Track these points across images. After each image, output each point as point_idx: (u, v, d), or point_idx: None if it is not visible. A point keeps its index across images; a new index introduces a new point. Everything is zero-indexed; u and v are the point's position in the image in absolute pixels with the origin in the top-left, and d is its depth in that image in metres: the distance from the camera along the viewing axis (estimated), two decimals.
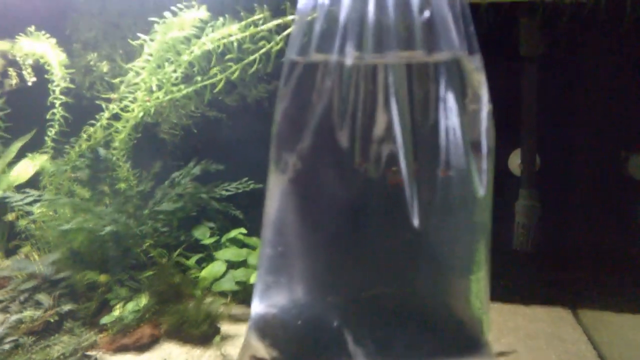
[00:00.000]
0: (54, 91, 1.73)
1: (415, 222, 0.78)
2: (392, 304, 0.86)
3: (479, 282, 0.87)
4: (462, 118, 0.82)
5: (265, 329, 0.85)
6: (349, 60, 0.79)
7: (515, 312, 1.95)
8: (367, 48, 0.79)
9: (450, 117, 0.82)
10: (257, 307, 0.87)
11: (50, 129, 1.79)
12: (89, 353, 1.56)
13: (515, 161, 2.01)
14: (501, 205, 1.96)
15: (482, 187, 0.82)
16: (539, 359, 1.62)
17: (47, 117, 1.76)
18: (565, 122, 1.96)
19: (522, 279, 2.04)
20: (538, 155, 1.96)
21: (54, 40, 1.69)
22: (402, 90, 0.80)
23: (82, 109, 1.90)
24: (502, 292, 2.04)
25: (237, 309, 1.87)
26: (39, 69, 1.79)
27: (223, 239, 2.07)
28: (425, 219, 0.80)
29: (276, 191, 0.85)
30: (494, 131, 0.85)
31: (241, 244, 2.06)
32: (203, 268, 1.96)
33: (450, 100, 0.81)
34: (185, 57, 1.39)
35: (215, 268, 1.94)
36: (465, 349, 0.90)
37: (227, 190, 2.06)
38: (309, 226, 0.85)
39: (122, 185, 1.87)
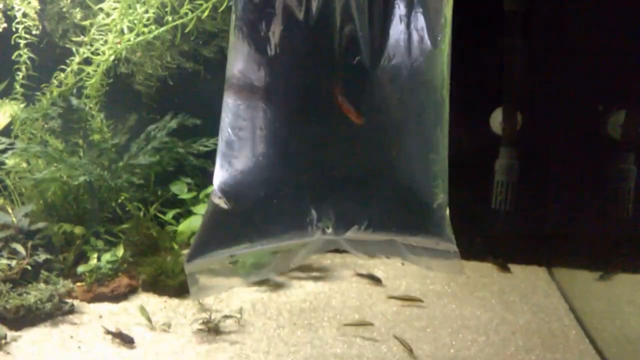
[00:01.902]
0: (16, 29, 1.65)
1: (367, 62, 0.79)
2: (351, 172, 0.86)
3: (436, 153, 0.88)
4: None
5: (225, 187, 0.85)
6: None
7: (491, 269, 1.99)
8: None
9: None
10: (220, 166, 0.88)
11: (18, 72, 1.73)
12: (66, 300, 1.55)
13: (497, 120, 2.00)
14: (481, 165, 2.00)
15: (436, 40, 0.82)
16: (510, 310, 1.65)
17: (13, 58, 1.69)
18: (548, 80, 1.95)
19: (499, 237, 2.06)
20: (520, 114, 1.96)
21: None
22: None
23: (56, 57, 1.84)
24: (479, 249, 2.07)
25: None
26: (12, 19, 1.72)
27: (201, 195, 2.06)
28: (377, 62, 0.80)
29: (236, 56, 0.84)
30: None
31: None
32: (181, 223, 1.95)
33: None
34: None
35: (193, 222, 1.93)
36: (423, 225, 0.91)
37: (205, 146, 2.03)
38: (270, 79, 0.84)
39: (96, 137, 1.84)
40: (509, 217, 1.98)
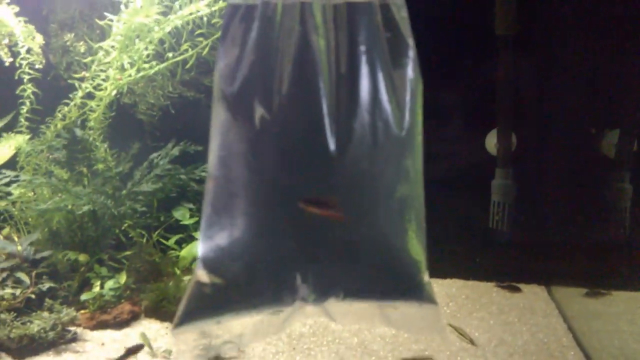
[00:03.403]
0: (20, 65, 1.71)
1: (332, 149, 0.83)
2: (330, 240, 0.89)
3: (413, 221, 0.90)
4: (386, 62, 0.86)
5: (209, 258, 0.89)
6: (274, 0, 0.84)
7: (490, 289, 2.00)
8: None
9: (373, 59, 0.86)
10: (203, 239, 0.91)
11: (23, 106, 1.79)
12: (69, 328, 1.58)
13: (491, 141, 2.03)
14: (478, 185, 2.02)
15: (403, 127, 0.86)
16: (509, 331, 1.66)
17: (17, 92, 1.75)
18: (541, 102, 1.98)
19: (497, 257, 2.07)
20: (514, 135, 1.99)
21: (16, 9, 1.66)
22: (326, 31, 0.84)
23: (60, 89, 1.90)
24: (477, 269, 2.08)
25: None
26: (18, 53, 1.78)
27: None
28: (344, 150, 0.84)
29: (217, 131, 0.88)
30: (420, 75, 0.88)
31: None
32: (183, 248, 1.98)
33: (373, 42, 0.85)
34: (156, 35, 1.39)
35: (195, 247, 1.96)
36: (403, 290, 0.93)
37: (206, 172, 2.07)
38: (246, 164, 0.88)
39: (100, 166, 1.88)
40: (506, 237, 1.99)
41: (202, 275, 0.89)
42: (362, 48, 0.85)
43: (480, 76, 1.99)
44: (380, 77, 0.86)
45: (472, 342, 1.36)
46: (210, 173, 0.89)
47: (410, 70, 0.87)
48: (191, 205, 2.11)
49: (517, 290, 1.98)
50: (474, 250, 2.08)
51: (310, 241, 0.89)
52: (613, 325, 1.72)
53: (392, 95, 0.86)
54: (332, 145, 0.85)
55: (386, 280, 0.92)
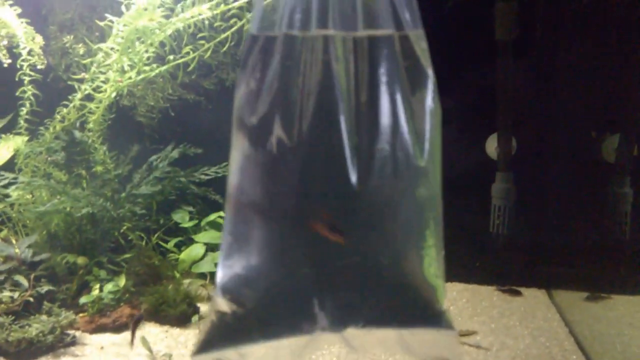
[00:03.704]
0: (21, 66, 1.70)
1: (354, 182, 0.83)
2: (349, 270, 0.89)
3: (431, 250, 0.90)
4: (406, 92, 0.87)
5: (228, 286, 0.89)
6: (295, 33, 0.84)
7: (491, 293, 1.99)
8: (313, 22, 0.85)
9: (393, 90, 0.86)
10: (222, 268, 0.91)
11: (22, 108, 1.77)
12: (67, 332, 1.56)
13: (492, 145, 2.03)
14: (478, 188, 2.02)
15: (423, 158, 0.86)
16: (511, 335, 1.66)
17: (17, 94, 1.74)
18: (542, 105, 1.98)
19: (498, 261, 2.07)
20: (515, 139, 1.99)
21: (19, 10, 1.65)
22: (347, 63, 0.85)
23: (59, 91, 1.88)
24: (478, 273, 2.08)
25: None
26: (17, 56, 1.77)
27: (203, 223, 2.08)
28: (365, 182, 0.84)
29: (236, 160, 0.89)
30: (439, 105, 0.89)
31: (221, 228, 2.07)
32: (182, 251, 1.97)
33: (394, 74, 0.86)
34: (157, 38, 1.38)
35: (194, 251, 1.95)
36: (422, 317, 0.93)
37: (206, 175, 2.06)
38: (265, 194, 0.88)
39: (99, 169, 1.87)
40: (507, 240, 1.99)
41: (221, 303, 0.89)
42: (383, 79, 0.86)
43: (480, 80, 2.00)
44: (401, 108, 0.87)
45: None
46: (229, 201, 0.89)
47: (430, 100, 0.88)
48: (190, 208, 2.10)
49: (518, 294, 1.98)
50: (474, 254, 2.08)
51: (330, 270, 0.89)
52: (614, 329, 1.72)
53: (412, 125, 0.87)
54: (353, 177, 0.84)
55: (405, 308, 0.93)
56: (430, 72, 0.88)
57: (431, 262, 0.91)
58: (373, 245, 0.89)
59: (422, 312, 0.93)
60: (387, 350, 0.97)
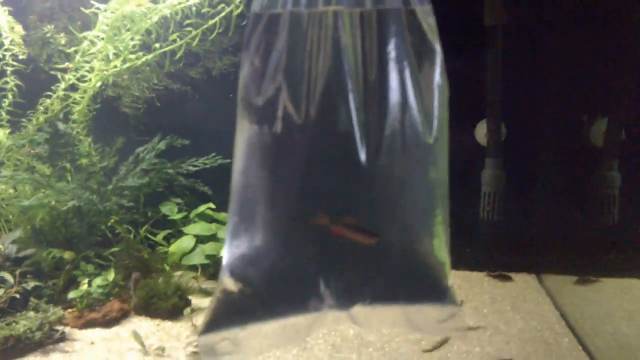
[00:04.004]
0: (4, 57, 1.65)
1: (363, 161, 0.83)
2: (357, 248, 0.88)
3: (438, 227, 0.90)
4: (414, 69, 0.86)
5: (235, 266, 0.88)
6: (302, 10, 0.82)
7: (482, 279, 2.00)
8: None
9: (402, 67, 0.85)
10: (228, 248, 0.91)
11: (4, 100, 1.72)
12: (56, 328, 1.53)
13: (481, 131, 2.04)
14: (469, 175, 2.02)
15: (432, 135, 0.86)
16: (503, 320, 1.67)
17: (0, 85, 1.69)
18: (531, 91, 1.99)
19: (489, 247, 2.08)
20: (504, 125, 1.99)
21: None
22: (354, 39, 0.84)
23: (41, 83, 1.83)
24: (469, 260, 2.09)
25: (207, 284, 1.86)
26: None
27: (192, 215, 2.05)
28: (374, 161, 0.84)
29: (243, 140, 0.87)
30: (447, 82, 0.88)
31: (210, 219, 2.05)
32: (172, 244, 1.94)
33: (402, 50, 0.85)
34: (143, 25, 1.35)
35: (184, 243, 1.92)
36: (428, 294, 0.93)
37: (194, 166, 2.04)
38: (272, 175, 0.87)
39: (84, 161, 1.83)
40: (497, 226, 2.00)
41: (228, 282, 0.88)
42: (391, 56, 0.85)
43: (469, 67, 1.99)
44: (410, 85, 0.86)
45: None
46: (236, 182, 0.89)
47: (438, 77, 0.87)
48: (179, 200, 2.07)
49: (509, 279, 1.99)
50: (465, 240, 2.08)
51: (338, 249, 0.89)
52: (604, 311, 1.74)
53: (420, 103, 0.86)
54: (362, 156, 0.84)
55: (413, 284, 0.93)
56: (438, 48, 0.87)
57: (439, 239, 0.91)
58: (382, 222, 0.88)
59: (429, 289, 0.93)
60: (393, 326, 0.97)
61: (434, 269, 0.92)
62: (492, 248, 2.08)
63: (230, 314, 0.90)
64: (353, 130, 0.83)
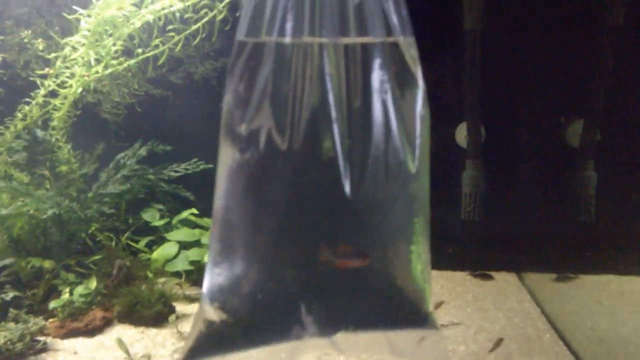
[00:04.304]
0: None
1: (347, 190, 0.84)
2: (338, 275, 0.89)
3: (419, 253, 0.92)
4: (397, 99, 0.87)
5: (216, 294, 0.87)
6: (287, 40, 0.83)
7: (463, 278, 2.03)
8: (304, 29, 0.84)
9: (385, 97, 0.87)
10: (209, 275, 0.89)
11: None
12: (38, 338, 1.50)
13: (461, 133, 2.07)
14: (449, 176, 2.05)
15: (414, 164, 0.88)
16: (486, 318, 1.69)
17: None
18: (509, 94, 2.03)
19: (469, 247, 2.11)
20: (483, 127, 2.03)
21: None
22: (338, 70, 0.85)
23: (18, 88, 1.80)
24: (450, 260, 2.12)
25: (191, 290, 1.85)
26: None
27: (174, 221, 2.03)
28: (358, 190, 0.85)
29: (225, 166, 0.87)
30: (428, 111, 0.90)
31: (193, 225, 2.03)
32: (154, 250, 1.92)
33: (385, 81, 0.86)
34: (125, 30, 1.33)
35: (167, 249, 1.90)
36: (408, 319, 0.94)
37: (175, 172, 2.02)
38: (255, 202, 0.87)
39: (64, 168, 1.80)
40: (477, 226, 2.03)
41: (209, 311, 0.87)
42: (374, 85, 0.86)
43: (448, 69, 2.03)
44: (392, 114, 0.87)
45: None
46: (217, 207, 0.88)
47: (420, 107, 0.89)
48: (161, 206, 2.05)
49: (490, 278, 2.03)
50: (446, 241, 2.11)
51: (320, 276, 0.90)
52: (584, 307, 1.78)
53: (403, 132, 0.87)
54: (346, 184, 0.85)
55: (393, 310, 0.94)
56: (420, 81, 0.89)
57: (419, 265, 0.92)
58: (364, 249, 0.89)
59: (409, 314, 0.94)
60: (374, 352, 0.97)
61: (414, 294, 0.93)
62: (473, 247, 2.11)
63: (211, 342, 0.89)
64: (337, 158, 0.84)
